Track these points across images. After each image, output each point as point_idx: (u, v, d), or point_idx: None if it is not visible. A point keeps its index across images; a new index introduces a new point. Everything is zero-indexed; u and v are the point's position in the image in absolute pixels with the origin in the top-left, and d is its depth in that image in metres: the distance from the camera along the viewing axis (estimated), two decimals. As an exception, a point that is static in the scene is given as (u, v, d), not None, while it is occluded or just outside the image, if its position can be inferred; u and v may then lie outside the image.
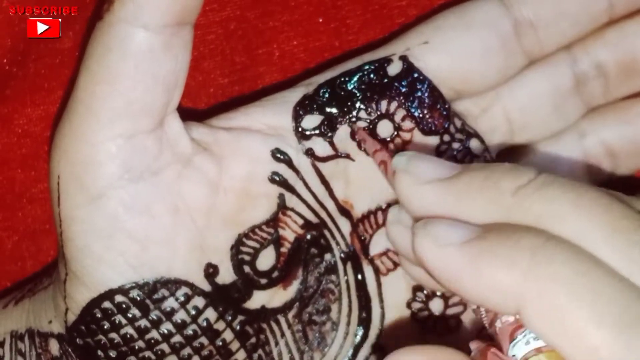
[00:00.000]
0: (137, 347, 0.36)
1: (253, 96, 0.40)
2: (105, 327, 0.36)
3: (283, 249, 0.38)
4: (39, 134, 0.41)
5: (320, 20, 0.42)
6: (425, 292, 0.39)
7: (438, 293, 0.39)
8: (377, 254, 0.39)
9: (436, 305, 0.39)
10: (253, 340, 0.38)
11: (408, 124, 0.39)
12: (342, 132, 0.38)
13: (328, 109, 0.38)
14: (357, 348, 0.39)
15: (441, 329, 0.40)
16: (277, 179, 0.37)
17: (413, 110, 0.39)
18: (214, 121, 0.38)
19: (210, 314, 0.36)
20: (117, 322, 0.36)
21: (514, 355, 0.29)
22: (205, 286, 0.36)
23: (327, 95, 0.38)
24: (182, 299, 0.36)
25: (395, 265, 0.39)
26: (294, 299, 0.38)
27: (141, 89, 0.34)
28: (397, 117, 0.38)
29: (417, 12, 0.42)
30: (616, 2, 0.40)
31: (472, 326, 0.40)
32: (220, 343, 0.37)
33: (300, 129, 0.38)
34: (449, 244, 0.30)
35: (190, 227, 0.36)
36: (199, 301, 0.36)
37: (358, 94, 0.38)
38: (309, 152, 0.38)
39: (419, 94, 0.39)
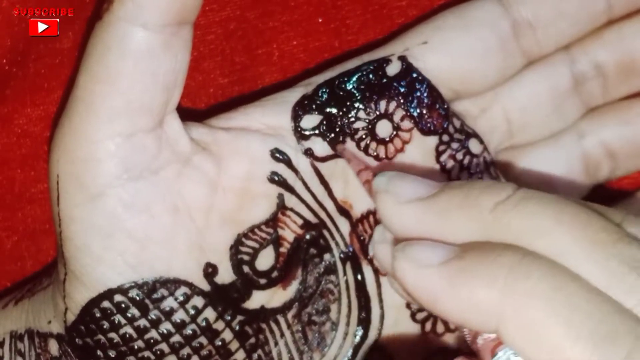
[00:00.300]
0: (136, 347, 0.36)
1: (253, 96, 0.40)
2: (105, 326, 0.36)
3: (282, 249, 0.38)
4: (39, 134, 0.41)
5: (320, 20, 0.42)
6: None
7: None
8: (377, 254, 0.39)
9: None
10: (252, 340, 0.38)
11: (407, 124, 0.39)
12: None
13: (327, 109, 0.38)
14: (356, 348, 0.39)
15: (440, 329, 0.40)
16: (277, 178, 0.37)
17: (412, 110, 0.39)
18: (213, 121, 0.38)
19: (210, 313, 0.36)
20: (116, 321, 0.36)
21: None
22: (205, 286, 0.36)
23: (326, 96, 0.38)
24: (181, 298, 0.36)
25: (395, 265, 0.39)
26: (293, 299, 0.38)
27: (140, 88, 0.34)
28: (396, 117, 0.39)
29: (417, 12, 0.42)
30: (615, 3, 0.40)
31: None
32: (220, 343, 0.37)
33: (299, 129, 0.38)
34: (427, 266, 0.31)
35: (189, 227, 0.36)
36: (198, 301, 0.36)
37: (357, 94, 0.38)
38: (308, 152, 0.38)
39: (418, 94, 0.39)
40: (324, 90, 0.38)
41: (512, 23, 0.39)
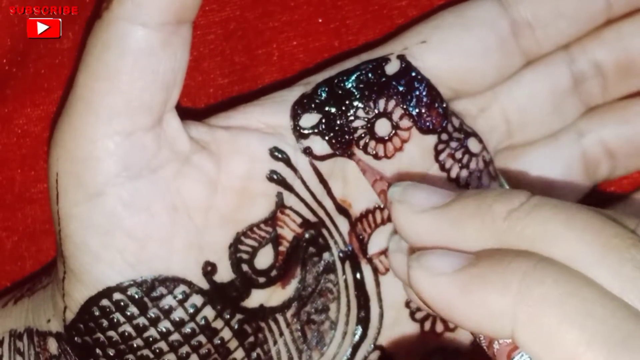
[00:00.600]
0: (135, 345, 0.36)
1: (252, 96, 0.40)
2: (104, 325, 0.36)
3: (281, 248, 0.38)
4: (39, 134, 0.41)
5: (320, 20, 0.42)
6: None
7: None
8: (376, 253, 0.39)
9: None
10: (251, 339, 0.38)
11: (406, 123, 0.39)
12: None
13: (326, 108, 0.38)
14: (355, 347, 0.39)
15: (439, 328, 0.40)
16: (276, 177, 0.37)
17: (411, 109, 0.39)
18: (212, 120, 0.38)
19: (209, 312, 0.36)
20: (115, 320, 0.36)
21: None
22: (204, 284, 0.36)
23: (325, 94, 0.38)
24: (180, 297, 0.36)
25: (394, 264, 0.39)
26: (292, 298, 0.38)
27: (140, 87, 0.34)
28: (395, 116, 0.39)
29: (417, 12, 0.42)
30: (614, 2, 0.40)
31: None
32: (219, 341, 0.37)
33: (298, 128, 0.38)
34: (441, 274, 0.31)
35: (188, 225, 0.36)
36: (197, 299, 0.36)
37: (356, 93, 0.38)
38: (307, 151, 0.38)
39: (417, 92, 0.39)
40: (323, 89, 0.38)
41: (511, 22, 0.39)
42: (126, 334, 0.36)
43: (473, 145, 0.40)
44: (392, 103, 0.39)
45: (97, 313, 0.36)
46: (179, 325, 0.36)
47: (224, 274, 0.37)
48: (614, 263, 0.28)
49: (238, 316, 0.37)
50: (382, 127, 0.38)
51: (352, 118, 0.38)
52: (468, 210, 0.32)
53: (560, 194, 0.42)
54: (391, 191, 0.35)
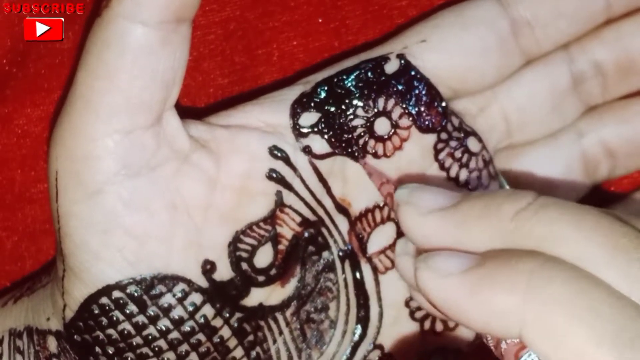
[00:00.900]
0: (134, 344, 0.36)
1: (252, 96, 0.40)
2: (103, 323, 0.36)
3: (281, 247, 0.38)
4: (39, 134, 0.41)
5: (320, 20, 0.42)
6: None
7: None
8: (375, 252, 0.39)
9: None
10: (251, 337, 0.38)
11: (405, 122, 0.39)
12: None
13: (326, 107, 0.38)
14: (355, 346, 0.39)
15: (439, 327, 0.40)
16: (275, 176, 0.37)
17: (410, 108, 0.39)
18: (212, 119, 0.38)
19: (208, 310, 0.36)
20: (114, 318, 0.36)
21: None
22: (203, 283, 0.36)
23: (324, 93, 0.38)
24: (179, 295, 0.36)
25: (394, 263, 0.39)
26: (291, 296, 0.38)
27: (139, 85, 0.34)
28: (395, 115, 0.39)
29: (417, 12, 0.42)
30: (614, 2, 0.40)
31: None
32: (218, 340, 0.37)
33: (297, 127, 0.38)
34: (449, 275, 0.31)
35: (187, 224, 0.36)
36: (196, 297, 0.36)
37: (355, 92, 0.38)
38: (307, 150, 0.38)
39: (416, 91, 0.39)
40: (323, 88, 0.38)
41: (511, 22, 0.39)
42: (125, 332, 0.36)
43: (472, 144, 0.40)
44: (391, 102, 0.39)
45: (96, 311, 0.36)
46: (178, 323, 0.36)
47: (224, 272, 0.37)
48: (622, 263, 0.29)
49: (237, 315, 0.37)
50: (382, 126, 0.38)
51: (351, 117, 0.38)
52: (475, 211, 0.32)
53: (560, 194, 0.42)
54: (398, 193, 0.35)
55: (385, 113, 0.39)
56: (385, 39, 0.41)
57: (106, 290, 0.35)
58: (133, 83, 0.34)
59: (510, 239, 0.31)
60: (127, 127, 0.34)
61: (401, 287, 0.39)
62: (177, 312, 0.36)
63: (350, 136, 0.38)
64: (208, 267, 0.36)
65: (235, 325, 0.37)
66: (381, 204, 0.39)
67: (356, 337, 0.39)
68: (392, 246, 0.39)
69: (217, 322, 0.37)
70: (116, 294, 0.35)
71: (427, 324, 0.40)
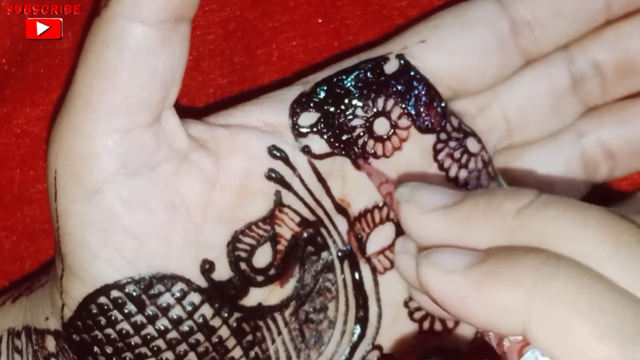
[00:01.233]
0: (133, 343, 0.36)
1: (252, 96, 0.40)
2: (102, 322, 0.36)
3: (280, 247, 0.38)
4: (38, 134, 0.41)
5: (320, 20, 0.42)
6: (422, 291, 0.39)
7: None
8: (374, 253, 0.39)
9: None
10: (249, 337, 0.37)
11: (404, 122, 0.39)
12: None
13: (325, 107, 0.38)
14: (354, 347, 0.39)
15: (438, 327, 0.40)
16: (274, 176, 0.37)
17: (409, 108, 0.39)
18: (211, 118, 0.38)
19: (207, 310, 0.36)
20: (113, 317, 0.35)
21: None
22: (202, 282, 0.36)
23: (324, 93, 0.38)
24: (178, 294, 0.36)
25: (393, 264, 0.39)
26: (290, 296, 0.38)
27: (139, 84, 0.34)
28: (394, 115, 0.39)
29: (417, 12, 0.42)
30: (613, 2, 0.40)
31: (470, 326, 0.40)
32: (217, 340, 0.37)
33: (297, 127, 0.38)
34: (452, 271, 0.31)
35: (186, 223, 0.36)
36: (195, 297, 0.36)
37: (355, 92, 0.38)
38: (306, 150, 0.38)
39: (416, 92, 0.39)
40: (322, 88, 0.38)
41: (510, 22, 0.39)
42: (124, 331, 0.36)
43: (472, 144, 0.40)
44: (390, 102, 0.39)
45: (95, 311, 0.35)
46: (176, 323, 0.36)
47: (222, 272, 0.37)
48: (625, 259, 0.29)
49: (236, 314, 0.37)
50: (381, 126, 0.38)
51: (350, 117, 0.38)
52: (477, 208, 0.32)
53: (560, 194, 0.41)
54: (398, 192, 0.35)
55: (385, 113, 0.38)
56: (385, 39, 0.41)
57: (105, 290, 0.35)
58: (132, 82, 0.34)
59: (513, 236, 0.31)
60: (126, 126, 0.34)
61: (400, 287, 0.39)
62: (176, 312, 0.36)
63: (349, 136, 0.38)
64: (207, 267, 0.36)
65: (234, 325, 0.37)
66: (380, 204, 0.39)
67: (355, 337, 0.39)
68: (391, 246, 0.39)
69: (216, 322, 0.37)
70: (115, 293, 0.35)
71: (426, 324, 0.40)
